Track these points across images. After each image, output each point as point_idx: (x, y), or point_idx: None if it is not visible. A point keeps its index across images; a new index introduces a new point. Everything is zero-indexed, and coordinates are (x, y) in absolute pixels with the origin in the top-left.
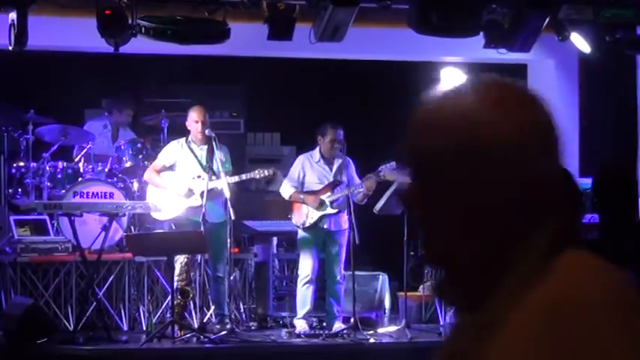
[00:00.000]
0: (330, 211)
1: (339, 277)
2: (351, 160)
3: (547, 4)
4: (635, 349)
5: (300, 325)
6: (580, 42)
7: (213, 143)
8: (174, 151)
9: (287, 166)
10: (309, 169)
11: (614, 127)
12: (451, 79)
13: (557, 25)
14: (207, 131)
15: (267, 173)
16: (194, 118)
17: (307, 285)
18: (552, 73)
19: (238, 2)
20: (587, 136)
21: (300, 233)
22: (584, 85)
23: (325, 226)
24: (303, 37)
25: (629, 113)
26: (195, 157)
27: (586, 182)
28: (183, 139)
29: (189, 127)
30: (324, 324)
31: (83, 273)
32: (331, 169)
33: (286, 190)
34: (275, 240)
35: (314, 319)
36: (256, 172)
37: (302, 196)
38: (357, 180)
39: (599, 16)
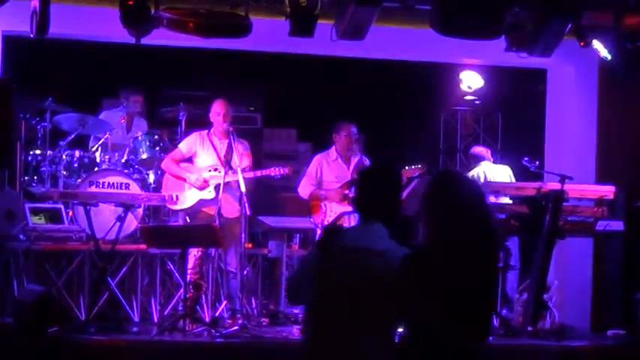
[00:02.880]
0: (348, 208)
1: None
2: (367, 159)
3: (570, 10)
4: None
5: None
6: (601, 49)
7: (231, 137)
8: (194, 142)
9: (302, 162)
10: (327, 168)
11: (633, 135)
12: (470, 81)
13: (578, 31)
14: (224, 125)
15: (282, 171)
16: (217, 111)
17: None
18: (572, 79)
19: None
20: (605, 144)
21: (319, 233)
22: (604, 92)
23: (345, 225)
24: (325, 35)
25: None
26: (215, 150)
27: (605, 190)
28: (205, 131)
29: (212, 120)
30: None
31: (96, 263)
32: (348, 167)
33: (305, 189)
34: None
35: None
36: (272, 169)
37: (323, 192)
38: None
39: (621, 24)
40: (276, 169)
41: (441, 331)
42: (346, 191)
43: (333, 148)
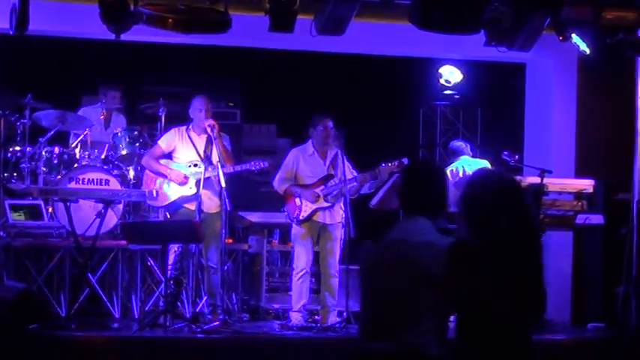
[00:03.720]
0: (324, 204)
1: (334, 271)
2: (342, 154)
3: (549, 4)
4: None
5: (296, 318)
6: (580, 43)
7: (213, 133)
8: (173, 138)
9: (282, 157)
10: (302, 162)
11: (612, 128)
12: (450, 75)
13: (558, 26)
14: (209, 121)
15: (261, 166)
16: (199, 107)
17: (302, 278)
18: (551, 73)
19: None
20: (584, 138)
21: (295, 227)
22: (583, 86)
23: (319, 220)
24: (304, 30)
25: (628, 115)
26: (194, 146)
27: (585, 183)
28: (184, 127)
29: (192, 116)
30: (317, 317)
31: (77, 259)
32: (325, 162)
33: (280, 183)
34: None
35: (307, 312)
36: (251, 163)
37: (298, 190)
38: (349, 173)
39: (600, 18)
40: (255, 164)
41: (501, 313)
42: (320, 189)
43: (310, 142)
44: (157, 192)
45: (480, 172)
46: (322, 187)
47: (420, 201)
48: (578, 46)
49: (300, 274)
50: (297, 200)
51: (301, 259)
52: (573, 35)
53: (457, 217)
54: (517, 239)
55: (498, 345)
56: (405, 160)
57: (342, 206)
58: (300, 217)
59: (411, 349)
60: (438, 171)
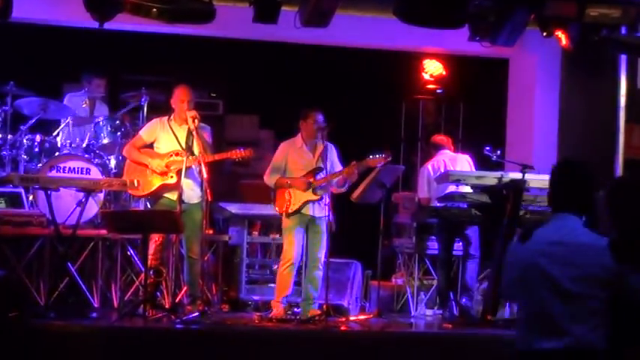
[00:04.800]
0: (312, 197)
1: (320, 264)
2: (333, 146)
3: (533, 0)
4: None
5: (277, 308)
6: (563, 39)
7: (195, 123)
8: (155, 128)
9: (264, 149)
10: (292, 155)
11: (593, 124)
12: (432, 69)
13: (541, 21)
14: (190, 112)
15: (243, 153)
16: (181, 98)
17: (289, 270)
18: (534, 68)
19: None
20: (567, 134)
21: (285, 220)
22: (566, 82)
23: (309, 213)
24: (289, 22)
25: (609, 111)
26: (175, 136)
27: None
28: (166, 117)
29: (173, 106)
30: (297, 309)
31: (57, 248)
32: (314, 155)
33: (271, 177)
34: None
35: (287, 304)
36: (232, 152)
37: (289, 181)
38: (338, 166)
39: (583, 15)
40: (236, 152)
41: None
42: (311, 180)
43: (299, 135)
44: (137, 181)
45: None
46: (311, 179)
47: (574, 199)
48: (562, 42)
49: (287, 264)
50: (287, 194)
51: (289, 252)
52: (557, 31)
53: (605, 218)
54: None
55: None
56: (385, 155)
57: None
58: (290, 210)
59: (580, 346)
60: (587, 170)
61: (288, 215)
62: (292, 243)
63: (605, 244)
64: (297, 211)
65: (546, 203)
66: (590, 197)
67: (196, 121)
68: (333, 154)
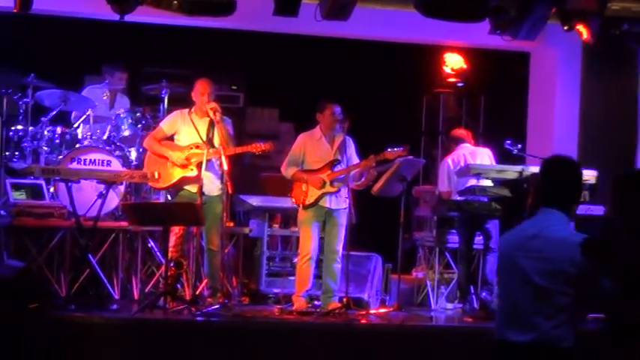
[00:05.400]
0: (330, 189)
1: (338, 257)
2: (351, 140)
3: None
4: None
5: (298, 303)
6: (585, 33)
7: (216, 116)
8: (176, 120)
9: (284, 142)
10: (310, 147)
11: (615, 119)
12: (453, 63)
13: (562, 15)
14: (211, 104)
15: (263, 147)
16: (201, 91)
17: (308, 264)
18: (555, 62)
19: None
20: (587, 128)
21: (301, 212)
22: (587, 76)
23: (326, 205)
24: (309, 15)
25: (630, 105)
26: (196, 129)
27: (587, 174)
28: (187, 109)
29: (194, 99)
30: (317, 302)
31: (77, 240)
32: (332, 148)
33: (288, 169)
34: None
35: (307, 297)
36: (253, 145)
37: (305, 176)
38: (356, 159)
39: (605, 8)
40: (257, 145)
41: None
42: (326, 175)
43: (318, 127)
44: (158, 174)
45: None
46: (328, 172)
47: (560, 195)
48: (583, 36)
49: (305, 259)
50: (304, 186)
51: (307, 245)
52: (578, 25)
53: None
54: None
55: None
56: (402, 148)
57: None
58: (306, 203)
59: (546, 341)
60: (574, 167)
61: (305, 208)
62: (309, 236)
63: (579, 241)
64: (314, 204)
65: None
66: (577, 193)
67: (217, 114)
68: (351, 147)
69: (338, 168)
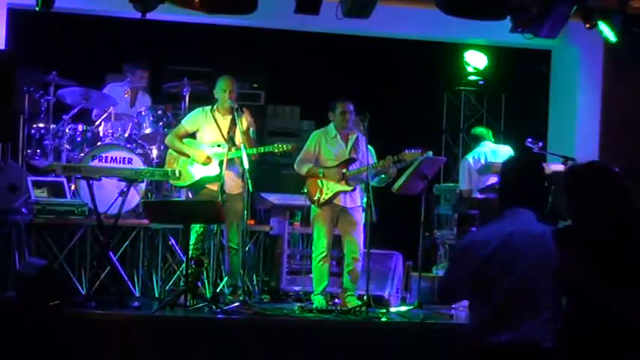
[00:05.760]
0: (345, 187)
1: (357, 255)
2: (364, 138)
3: None
4: None
5: (318, 301)
6: (606, 31)
7: (235, 114)
8: (198, 118)
9: (305, 140)
10: (325, 145)
11: (637, 117)
12: (475, 61)
13: (584, 13)
14: (229, 101)
15: (285, 148)
16: (223, 87)
17: (323, 261)
18: (577, 60)
19: None
20: (609, 126)
21: (314, 210)
22: (608, 74)
23: (340, 203)
24: (330, 12)
25: None
26: (218, 126)
27: None
28: (209, 107)
29: (216, 96)
30: (337, 300)
31: (98, 237)
32: (346, 146)
33: (302, 166)
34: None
35: (327, 295)
36: (275, 146)
37: (322, 171)
38: (370, 158)
39: (626, 6)
40: (279, 146)
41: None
42: (344, 170)
43: (332, 125)
44: (179, 171)
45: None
46: (344, 170)
47: (527, 194)
48: (604, 34)
49: (320, 257)
50: (319, 183)
51: (321, 243)
52: (599, 23)
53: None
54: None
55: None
56: (422, 150)
57: (363, 190)
58: (321, 200)
59: (528, 341)
60: (537, 166)
61: (320, 205)
62: (323, 234)
63: (553, 231)
64: (329, 202)
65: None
66: (542, 192)
67: (245, 121)
68: (364, 145)
69: (353, 167)
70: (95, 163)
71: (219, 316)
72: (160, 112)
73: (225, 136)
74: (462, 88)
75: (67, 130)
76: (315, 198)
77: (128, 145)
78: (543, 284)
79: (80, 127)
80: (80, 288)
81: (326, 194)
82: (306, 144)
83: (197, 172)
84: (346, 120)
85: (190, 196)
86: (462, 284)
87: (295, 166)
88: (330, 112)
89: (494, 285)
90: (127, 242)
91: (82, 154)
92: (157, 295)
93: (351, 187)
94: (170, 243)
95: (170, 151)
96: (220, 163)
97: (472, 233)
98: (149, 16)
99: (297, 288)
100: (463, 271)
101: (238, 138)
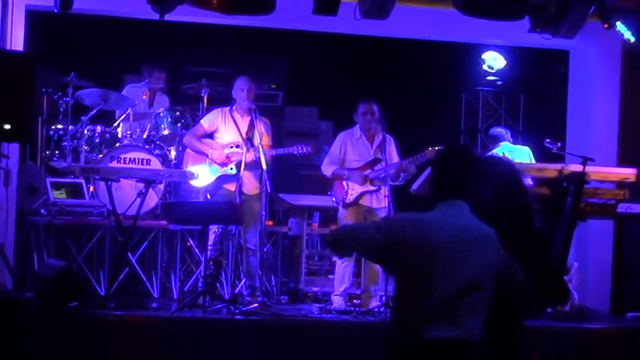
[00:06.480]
0: (370, 188)
1: None
2: (391, 139)
3: None
4: None
5: (338, 302)
6: (625, 31)
7: (253, 115)
8: (216, 118)
9: (324, 140)
10: (350, 146)
11: None
12: (493, 61)
13: (602, 13)
14: (247, 102)
15: (304, 150)
16: (241, 87)
17: (346, 262)
18: (595, 60)
19: None
20: (627, 126)
21: (341, 210)
22: (627, 74)
23: (366, 204)
24: (348, 13)
25: None
26: (237, 126)
27: (627, 172)
28: (227, 107)
29: (234, 96)
30: (356, 301)
31: (116, 238)
32: (372, 146)
33: (328, 167)
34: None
35: (347, 296)
36: (293, 148)
37: (347, 172)
38: (396, 158)
39: None
40: (298, 148)
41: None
42: (367, 172)
43: (357, 126)
44: (197, 172)
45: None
46: (369, 170)
47: (463, 185)
48: (623, 34)
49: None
50: (345, 184)
51: None
52: (618, 23)
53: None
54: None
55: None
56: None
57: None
58: (347, 201)
59: (467, 336)
60: (469, 156)
61: (346, 206)
62: None
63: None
64: (355, 202)
65: (592, 195)
66: (473, 182)
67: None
68: (391, 146)
69: (379, 167)
70: (113, 164)
71: (237, 317)
72: (178, 113)
73: (244, 137)
74: (480, 88)
75: (85, 132)
76: (341, 199)
77: (146, 147)
78: (487, 280)
79: (99, 129)
80: (99, 289)
81: (352, 195)
82: (332, 146)
83: (215, 173)
84: (367, 121)
85: (209, 197)
86: (376, 247)
87: (322, 168)
88: (355, 112)
89: (440, 278)
90: (146, 243)
91: (100, 156)
92: (175, 297)
93: (376, 187)
94: (189, 244)
95: (188, 151)
96: (238, 164)
97: (416, 213)
98: (167, 17)
99: (315, 288)
100: (392, 237)
101: (256, 139)
